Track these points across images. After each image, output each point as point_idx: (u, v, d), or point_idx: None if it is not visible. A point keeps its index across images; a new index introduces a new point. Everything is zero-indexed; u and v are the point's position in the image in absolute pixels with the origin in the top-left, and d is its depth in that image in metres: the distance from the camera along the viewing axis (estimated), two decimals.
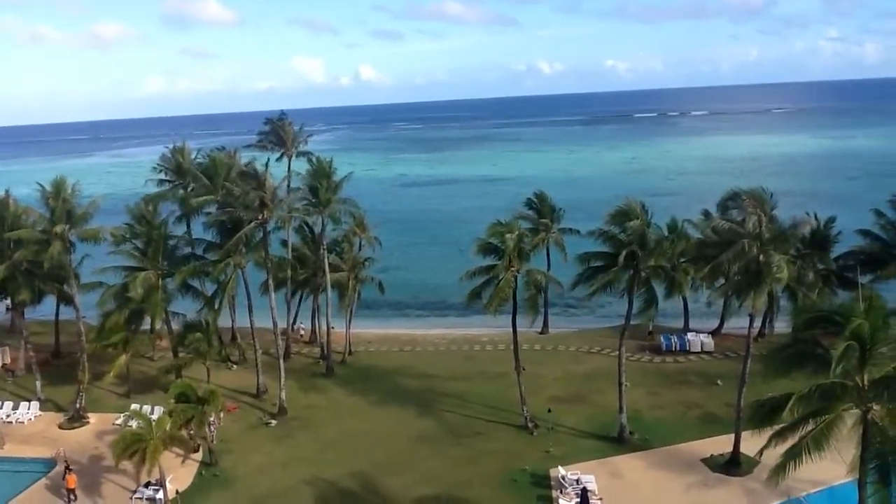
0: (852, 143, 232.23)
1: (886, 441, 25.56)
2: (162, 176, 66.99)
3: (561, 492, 38.73)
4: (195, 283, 58.27)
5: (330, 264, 59.37)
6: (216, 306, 56.05)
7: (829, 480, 35.38)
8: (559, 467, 40.87)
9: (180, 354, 55.36)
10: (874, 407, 26.26)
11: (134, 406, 50.56)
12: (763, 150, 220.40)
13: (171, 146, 68.91)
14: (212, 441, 45.14)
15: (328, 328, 60.04)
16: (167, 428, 39.82)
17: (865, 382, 26.31)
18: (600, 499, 37.68)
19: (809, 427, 26.92)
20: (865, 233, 60.86)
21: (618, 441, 44.62)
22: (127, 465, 38.96)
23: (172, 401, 42.82)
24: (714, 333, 62.89)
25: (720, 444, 42.36)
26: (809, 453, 26.34)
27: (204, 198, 57.97)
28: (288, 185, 60.00)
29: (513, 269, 44.47)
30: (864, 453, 26.36)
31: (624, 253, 42.03)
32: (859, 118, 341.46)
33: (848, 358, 25.46)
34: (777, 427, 27.66)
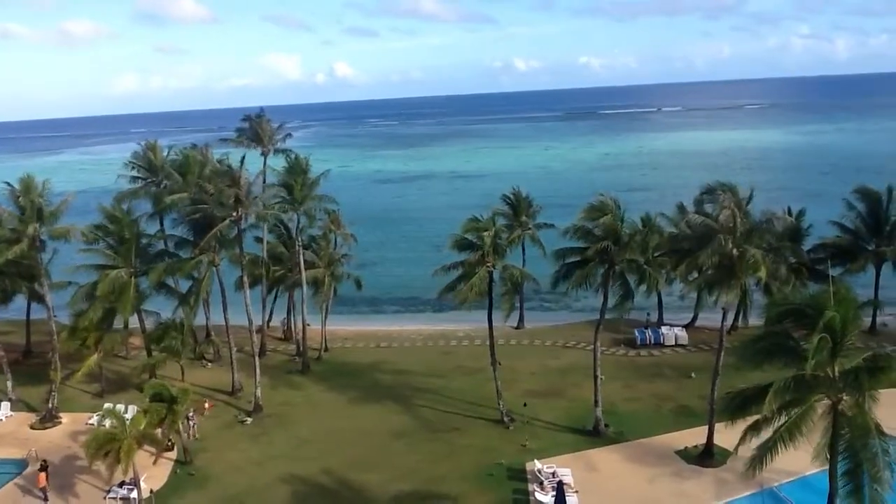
0: (823, 138, 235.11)
1: (856, 430, 25.94)
2: (134, 173, 66.32)
3: (537, 485, 38.90)
4: (169, 281, 57.82)
5: (306, 261, 59.19)
6: (191, 304, 55.67)
7: (802, 470, 35.78)
8: (535, 461, 41.05)
9: (154, 353, 54.90)
10: (844, 397, 26.68)
11: (107, 405, 49.97)
12: (736, 145, 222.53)
13: (143, 143, 68.28)
14: (194, 437, 45.15)
15: (304, 325, 59.83)
16: (141, 427, 39.48)
17: (836, 373, 26.71)
18: (576, 491, 37.88)
19: (782, 419, 27.28)
20: (839, 226, 61.97)
21: (593, 434, 44.89)
22: (100, 464, 38.59)
23: (147, 400, 42.48)
24: (688, 327, 63.49)
25: (694, 436, 42.74)
26: (784, 444, 26.69)
27: (178, 195, 57.51)
28: (263, 182, 59.67)
29: (488, 264, 44.57)
30: (835, 443, 26.75)
31: (598, 248, 42.28)
32: (830, 114, 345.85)
33: (821, 350, 25.81)
34: (751, 420, 28.01)
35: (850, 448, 26.07)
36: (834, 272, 53.85)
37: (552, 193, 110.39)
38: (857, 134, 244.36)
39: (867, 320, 58.87)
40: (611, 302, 45.12)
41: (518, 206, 64.96)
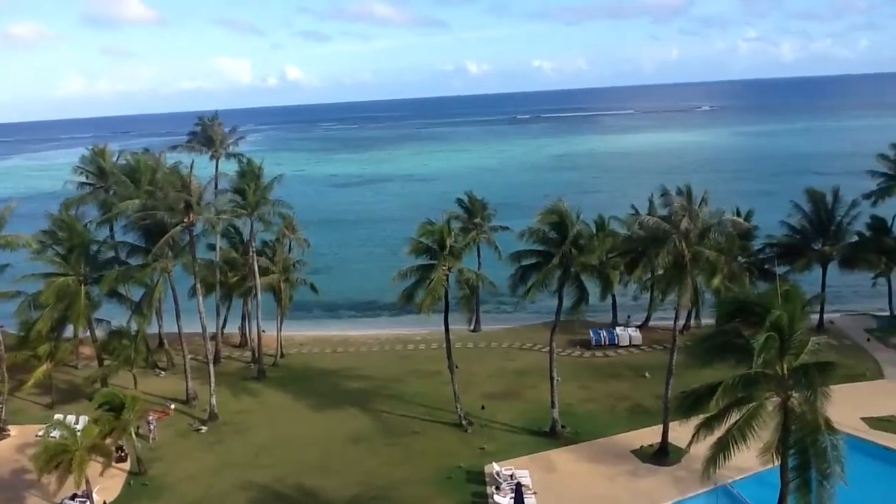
0: (771, 139, 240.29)
1: (806, 426, 26.47)
2: (83, 179, 65.06)
3: (496, 487, 39.06)
4: (120, 289, 56.76)
5: (260, 267, 58.62)
6: (144, 312, 54.72)
7: (754, 467, 36.39)
8: (493, 463, 41.23)
9: (106, 362, 53.87)
10: (793, 394, 27.23)
11: (57, 416, 48.94)
12: (687, 147, 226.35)
13: (92, 148, 67.01)
14: (153, 439, 44.96)
15: (259, 331, 59.24)
16: (92, 437, 38.72)
17: (785, 371, 27.25)
18: (534, 493, 38.12)
19: (734, 416, 27.76)
20: (785, 225, 63.47)
21: (550, 435, 45.24)
22: (51, 477, 37.75)
23: (97, 409, 41.70)
24: (642, 327, 64.35)
25: (649, 435, 43.36)
26: (737, 443, 27.14)
27: (129, 201, 56.47)
28: (215, 187, 58.99)
29: (444, 268, 44.65)
30: (785, 439, 27.30)
31: (559, 252, 42.60)
32: (778, 116, 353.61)
33: (768, 348, 26.32)
34: (703, 417, 28.46)
35: (800, 444, 26.56)
36: (781, 270, 55.18)
37: (506, 196, 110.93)
38: (803, 135, 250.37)
39: (814, 318, 60.30)
40: (566, 304, 45.52)
41: (473, 209, 65.19)
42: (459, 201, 66.68)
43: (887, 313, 65.61)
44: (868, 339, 59.17)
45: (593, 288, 45.94)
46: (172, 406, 51.67)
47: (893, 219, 63.23)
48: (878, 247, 62.89)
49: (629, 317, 66.51)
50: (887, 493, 32.74)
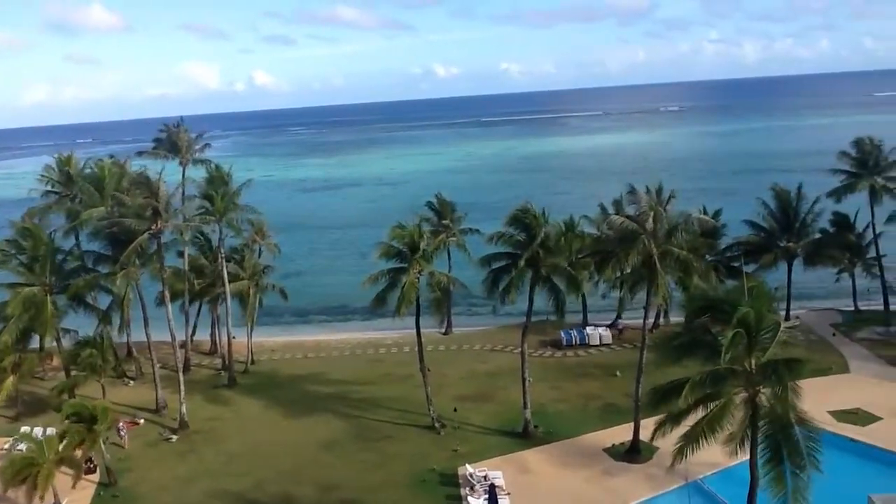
0: (736, 139, 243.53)
1: (775, 421, 26.84)
2: (48, 187, 64.17)
3: (469, 489, 39.12)
4: (88, 298, 56.03)
5: (229, 273, 58.19)
6: (119, 322, 54.07)
7: (725, 462, 36.88)
8: (466, 465, 41.28)
9: (73, 373, 53.12)
10: (762, 389, 27.60)
11: (24, 429, 48.12)
12: (654, 147, 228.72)
13: (57, 156, 66.12)
14: (124, 447, 44.93)
15: (229, 338, 58.81)
16: (60, 450, 38.15)
17: (753, 367, 27.61)
18: (508, 494, 38.22)
19: (702, 412, 28.09)
20: (751, 224, 64.39)
21: (523, 436, 45.38)
22: (17, 492, 37.11)
23: (66, 421, 41.07)
24: (612, 326, 64.78)
25: (621, 434, 43.70)
26: (706, 437, 27.45)
27: (95, 209, 55.75)
28: (182, 194, 58.46)
29: (416, 271, 44.65)
30: (754, 434, 27.67)
31: (527, 255, 42.75)
32: (741, 116, 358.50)
33: (736, 345, 26.65)
34: (669, 412, 28.76)
35: (772, 438, 26.86)
36: (747, 268, 55.91)
37: (476, 198, 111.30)
38: (766, 133, 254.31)
39: (781, 314, 61.13)
40: (541, 306, 45.69)
41: (443, 212, 65.30)
42: (430, 204, 66.77)
43: (852, 308, 66.78)
44: (833, 334, 60.13)
45: (565, 289, 46.06)
46: (142, 421, 50.96)
47: (856, 215, 64.37)
48: (842, 243, 64.08)
49: (619, 318, 66.29)
50: (854, 484, 33.32)
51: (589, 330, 62.86)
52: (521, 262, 42.96)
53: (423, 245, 45.00)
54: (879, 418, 44.12)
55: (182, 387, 50.78)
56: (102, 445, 42.08)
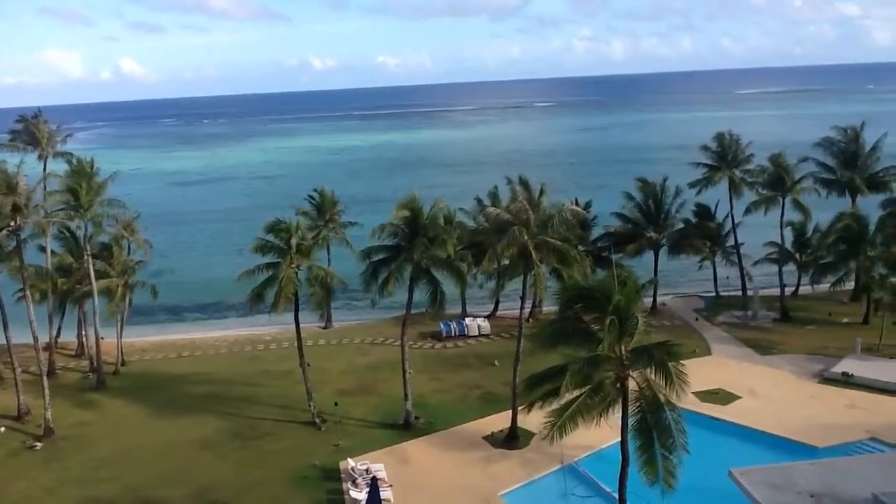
0: (605, 133, 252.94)
1: (646, 403, 28.17)
2: None
3: (351, 483, 39.04)
4: None
5: (96, 270, 55.63)
6: None
7: (596, 444, 38.43)
8: (348, 459, 41.14)
9: None
10: (632, 374, 28.85)
11: None
12: (527, 141, 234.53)
13: None
14: None
15: (97, 339, 56.26)
16: None
17: (624, 352, 28.81)
18: (390, 486, 38.37)
19: (576, 395, 29.07)
20: (619, 215, 67.03)
21: (404, 427, 45.64)
22: None
23: None
24: (490, 317, 66.07)
25: (500, 421, 44.61)
26: (582, 418, 28.35)
27: None
28: (44, 188, 55.39)
29: (293, 266, 44.06)
30: (625, 416, 28.92)
31: (410, 247, 42.86)
32: (610, 110, 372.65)
33: (611, 332, 27.74)
34: (541, 393, 29.65)
35: (643, 421, 28.18)
36: (617, 258, 58.18)
37: (355, 191, 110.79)
38: (634, 128, 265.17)
39: (648, 301, 64.03)
40: (417, 297, 45.96)
41: (323, 206, 64.67)
42: (309, 198, 65.99)
43: (713, 294, 70.71)
44: (696, 319, 63.51)
45: (447, 281, 46.39)
46: (2, 429, 48.10)
47: (716, 206, 68.05)
48: (703, 233, 67.65)
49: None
50: (716, 459, 35.23)
51: (468, 321, 63.79)
52: (404, 254, 43.09)
53: (298, 240, 44.40)
54: (739, 397, 47.09)
55: (47, 391, 48.15)
56: None
